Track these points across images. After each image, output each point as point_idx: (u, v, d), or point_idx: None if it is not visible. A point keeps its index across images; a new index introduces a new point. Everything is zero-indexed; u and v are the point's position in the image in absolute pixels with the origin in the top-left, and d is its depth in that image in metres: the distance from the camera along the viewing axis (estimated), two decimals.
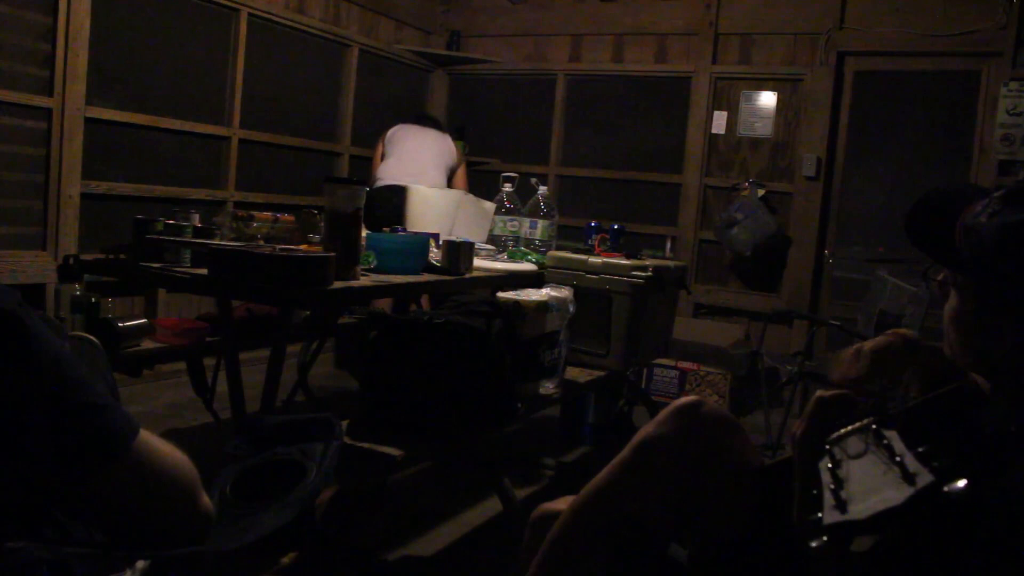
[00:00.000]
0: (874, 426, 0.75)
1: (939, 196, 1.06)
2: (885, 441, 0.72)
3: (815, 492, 0.73)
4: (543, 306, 2.33)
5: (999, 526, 0.75)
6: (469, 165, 5.78)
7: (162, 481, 0.93)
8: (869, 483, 0.70)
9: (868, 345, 1.10)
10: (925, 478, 0.66)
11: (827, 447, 0.77)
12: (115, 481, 0.89)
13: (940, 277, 1.06)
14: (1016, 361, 0.93)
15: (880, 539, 0.79)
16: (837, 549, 0.70)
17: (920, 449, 0.69)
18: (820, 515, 0.70)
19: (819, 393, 0.89)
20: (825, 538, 0.69)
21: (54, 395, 0.86)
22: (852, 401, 0.87)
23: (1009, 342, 0.92)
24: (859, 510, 0.68)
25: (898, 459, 0.70)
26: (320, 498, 1.33)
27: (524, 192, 3.28)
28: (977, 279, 0.96)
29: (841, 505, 0.70)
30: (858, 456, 0.74)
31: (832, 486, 0.72)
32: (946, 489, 0.65)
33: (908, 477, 0.67)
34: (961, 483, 0.65)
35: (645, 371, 4.29)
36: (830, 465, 0.75)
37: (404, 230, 2.93)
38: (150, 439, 0.93)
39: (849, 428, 0.77)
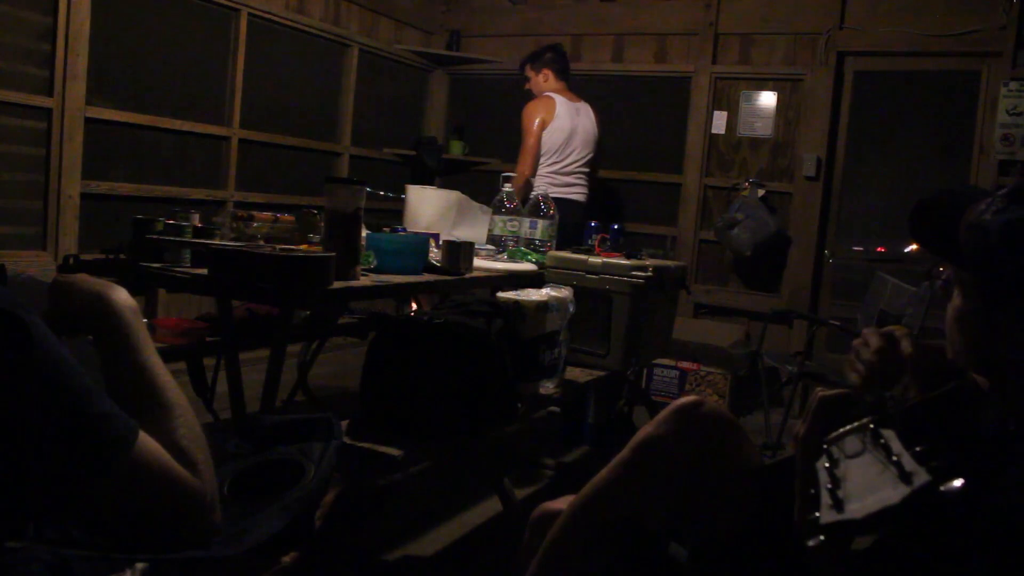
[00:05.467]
0: (872, 425, 0.75)
1: (942, 195, 1.06)
2: (882, 440, 0.72)
3: (813, 491, 0.73)
4: (543, 306, 2.32)
5: (998, 525, 0.75)
6: (469, 165, 5.79)
7: (158, 487, 0.93)
8: (866, 482, 0.70)
9: (874, 341, 1.09)
10: (922, 477, 0.66)
11: (825, 446, 0.77)
12: (110, 487, 0.89)
13: (943, 277, 1.06)
14: (1021, 358, 0.92)
15: (880, 538, 0.79)
16: (835, 548, 0.70)
17: (918, 449, 0.69)
18: (817, 514, 0.70)
19: (822, 393, 0.89)
20: (822, 537, 0.69)
21: (54, 401, 0.85)
22: (853, 400, 0.87)
23: (1016, 339, 0.92)
24: (856, 509, 0.68)
25: (895, 458, 0.70)
26: (323, 499, 1.33)
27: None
28: (983, 277, 0.96)
29: (838, 504, 0.70)
30: (856, 455, 0.74)
31: (829, 485, 0.72)
32: (942, 488, 0.65)
33: (905, 476, 0.67)
34: (957, 482, 0.65)
35: (645, 371, 4.29)
36: (827, 464, 0.75)
37: (404, 230, 2.93)
38: (148, 446, 0.93)
39: (847, 428, 0.77)
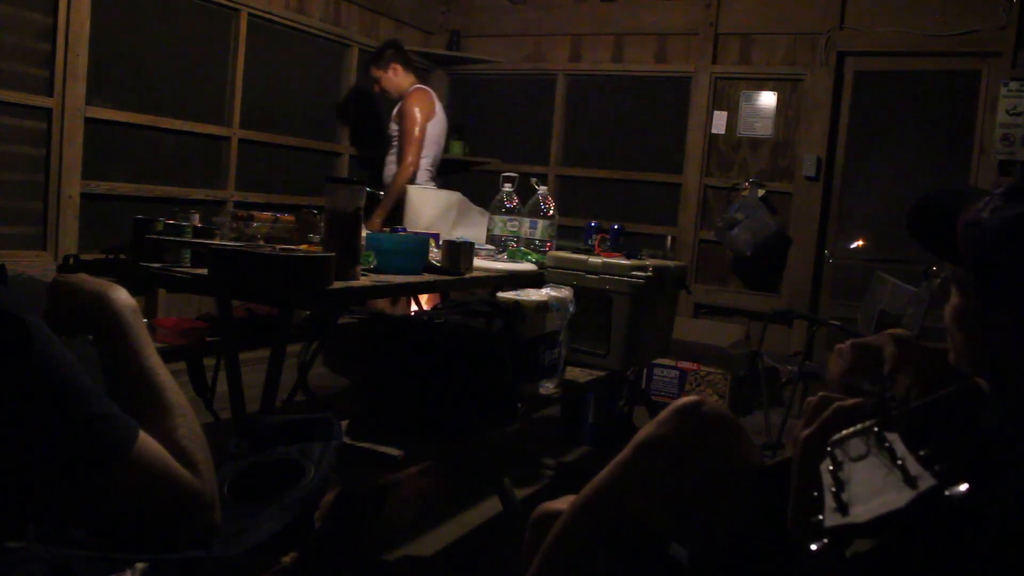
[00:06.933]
0: (876, 428, 0.75)
1: (940, 194, 1.06)
2: (887, 444, 0.72)
3: (816, 494, 0.73)
4: (543, 306, 2.32)
5: (999, 526, 0.75)
6: (469, 165, 5.79)
7: (158, 487, 0.93)
8: (871, 486, 0.70)
9: (854, 341, 1.10)
10: (927, 481, 0.66)
11: (828, 448, 0.77)
12: (111, 487, 0.89)
13: (941, 276, 1.06)
14: (1020, 357, 0.92)
15: (880, 541, 0.79)
16: (836, 552, 0.70)
17: (922, 452, 0.69)
18: (821, 517, 0.70)
19: (838, 404, 0.89)
20: (826, 540, 0.69)
21: (55, 402, 0.85)
22: (867, 412, 0.87)
23: (1013, 338, 0.92)
24: (860, 513, 0.68)
25: (900, 462, 0.69)
26: (323, 499, 1.34)
27: (524, 192, 3.28)
28: (980, 275, 0.96)
29: (843, 508, 0.69)
30: (860, 459, 0.74)
31: (833, 488, 0.72)
32: (948, 493, 0.65)
33: (910, 480, 0.67)
34: (963, 487, 0.65)
35: (645, 371, 4.29)
36: (831, 467, 0.74)
37: (404, 230, 2.93)
38: (149, 446, 0.93)
39: (851, 430, 0.77)
